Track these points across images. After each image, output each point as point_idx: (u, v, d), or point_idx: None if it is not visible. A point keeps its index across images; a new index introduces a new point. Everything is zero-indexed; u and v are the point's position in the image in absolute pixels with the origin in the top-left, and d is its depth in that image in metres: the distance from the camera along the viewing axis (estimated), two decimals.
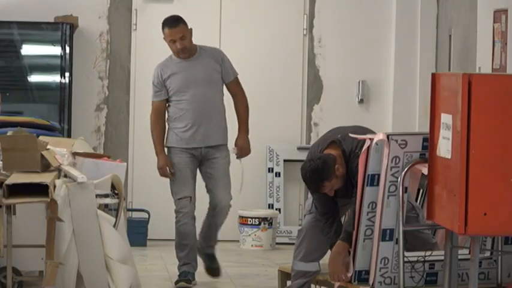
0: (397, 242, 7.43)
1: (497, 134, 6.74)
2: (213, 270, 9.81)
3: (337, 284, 7.72)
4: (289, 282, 8.20)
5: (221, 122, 9.96)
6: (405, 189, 7.38)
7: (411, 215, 7.70)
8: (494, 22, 9.64)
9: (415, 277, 7.46)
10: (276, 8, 12.23)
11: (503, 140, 6.72)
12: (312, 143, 11.33)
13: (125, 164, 9.02)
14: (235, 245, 11.64)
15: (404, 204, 7.40)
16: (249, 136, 11.38)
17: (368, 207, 7.50)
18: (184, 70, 9.87)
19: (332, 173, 7.60)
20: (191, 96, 9.81)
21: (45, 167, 7.62)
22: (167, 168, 9.75)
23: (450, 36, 11.28)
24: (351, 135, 7.85)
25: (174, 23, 9.83)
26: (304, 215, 8.27)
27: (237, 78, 9.83)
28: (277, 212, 11.84)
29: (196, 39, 11.07)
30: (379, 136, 7.55)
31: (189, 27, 9.79)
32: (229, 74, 9.77)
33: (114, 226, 7.63)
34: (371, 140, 7.61)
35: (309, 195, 8.13)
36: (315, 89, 12.17)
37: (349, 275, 7.67)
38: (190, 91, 9.86)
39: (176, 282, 9.51)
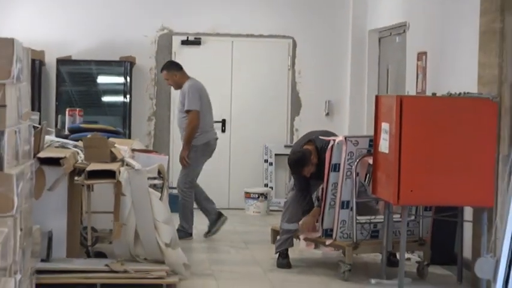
0: (351, 209, 7.44)
1: (419, 136, 6.84)
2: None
3: (303, 235, 7.82)
4: (278, 238, 8.11)
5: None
6: (357, 174, 7.51)
7: (361, 190, 7.71)
8: (417, 60, 9.45)
9: (364, 233, 7.51)
10: (270, 51, 11.98)
11: (423, 140, 6.84)
12: (293, 142, 11.38)
13: (167, 157, 9.17)
14: (242, 211, 11.39)
15: (356, 183, 7.46)
16: (251, 137, 11.97)
17: (332, 186, 7.54)
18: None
19: (308, 162, 7.67)
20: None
21: (113, 158, 7.40)
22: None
23: (387, 69, 11.14)
24: (320, 137, 7.89)
25: (161, 70, 9.84)
26: (288, 192, 8.29)
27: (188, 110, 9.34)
28: (270, 189, 11.75)
29: (214, 72, 11.69)
30: (339, 138, 7.74)
31: (173, 71, 9.52)
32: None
33: (160, 199, 7.40)
34: (334, 140, 7.68)
35: (291, 178, 8.25)
36: (296, 106, 12.00)
37: (318, 234, 7.66)
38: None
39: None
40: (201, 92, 9.59)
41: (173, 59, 11.63)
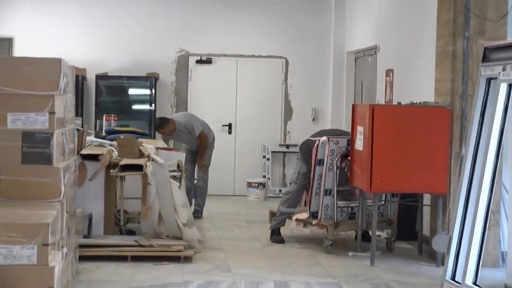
0: (333, 196, 7.38)
1: (388, 137, 6.82)
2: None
3: (295, 217, 7.76)
4: (274, 218, 8.04)
5: None
6: (338, 167, 7.41)
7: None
8: (386, 76, 9.42)
9: (343, 215, 7.48)
10: (268, 69, 11.82)
11: (391, 140, 6.83)
12: (287, 143, 11.99)
13: (184, 153, 8.91)
14: (244, 198, 11.27)
15: (337, 175, 7.38)
16: (252, 138, 11.79)
17: (317, 177, 7.50)
18: None
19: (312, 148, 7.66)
20: None
21: (141, 155, 7.40)
22: None
23: (362, 83, 11.09)
24: (310, 138, 7.84)
25: (157, 129, 9.54)
26: (290, 183, 8.15)
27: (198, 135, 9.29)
28: (268, 179, 11.64)
29: (222, 85, 11.81)
30: (323, 138, 7.62)
31: (166, 125, 9.18)
32: None
33: (178, 187, 7.45)
34: (319, 140, 7.61)
35: (294, 171, 8.10)
36: (288, 113, 11.89)
37: (306, 216, 7.60)
38: None
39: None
40: (191, 116, 9.61)
41: (189, 75, 11.75)
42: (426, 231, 7.32)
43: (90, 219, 6.93)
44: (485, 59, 5.82)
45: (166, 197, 7.08)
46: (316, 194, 7.43)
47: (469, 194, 5.70)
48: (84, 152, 6.91)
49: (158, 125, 9.27)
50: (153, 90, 11.46)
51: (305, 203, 7.89)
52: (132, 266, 6.45)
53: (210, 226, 8.75)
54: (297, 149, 11.18)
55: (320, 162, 7.43)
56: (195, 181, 9.47)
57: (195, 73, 11.74)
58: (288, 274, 6.36)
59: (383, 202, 7.54)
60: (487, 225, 5.61)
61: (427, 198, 7.35)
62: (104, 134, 9.50)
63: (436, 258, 6.77)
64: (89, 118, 11.21)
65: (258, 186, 11.34)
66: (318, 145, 7.51)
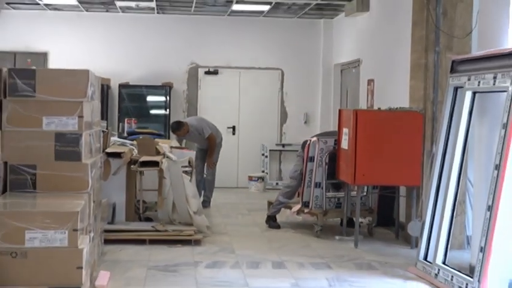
0: (322, 188, 7.36)
1: (369, 137, 6.77)
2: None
3: (292, 210, 7.71)
4: (272, 206, 8.03)
5: None
6: (326, 164, 7.36)
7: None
8: (367, 85, 9.36)
9: (331, 204, 7.45)
10: (266, 79, 11.74)
11: (372, 140, 6.78)
12: (282, 143, 11.90)
13: (194, 152, 8.95)
14: (246, 189, 11.22)
15: (325, 171, 7.35)
16: (253, 138, 11.73)
17: (309, 172, 7.45)
18: None
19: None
20: None
21: (157, 153, 7.46)
22: None
23: (347, 91, 11.01)
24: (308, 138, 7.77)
25: (174, 132, 9.34)
26: (290, 177, 7.95)
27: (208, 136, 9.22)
28: (266, 174, 11.58)
29: (227, 93, 11.88)
30: (314, 139, 7.61)
31: (182, 128, 9.07)
32: None
33: (190, 181, 7.47)
34: (310, 140, 7.58)
35: (293, 167, 8.00)
36: (283, 116, 11.83)
37: (299, 205, 7.57)
38: None
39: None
40: (202, 120, 9.50)
41: (199, 84, 11.74)
42: (402, 218, 7.29)
43: (114, 208, 6.95)
44: (452, 70, 5.87)
45: (179, 189, 7.06)
46: (308, 186, 7.41)
47: (439, 186, 5.77)
48: (108, 150, 6.91)
49: (175, 128, 9.18)
50: (168, 97, 11.46)
51: (298, 194, 7.85)
52: (149, 248, 6.45)
53: (216, 214, 8.74)
54: (291, 148, 11.50)
55: (311, 159, 7.41)
56: (205, 175, 9.42)
57: (204, 83, 11.74)
58: (283, 255, 6.35)
59: (365, 193, 7.51)
60: (455, 213, 5.68)
61: (402, 190, 7.32)
62: (125, 134, 9.56)
63: (411, 242, 6.74)
64: (113, 121, 11.21)
65: (258, 179, 11.29)
66: (309, 144, 7.48)
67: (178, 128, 9.12)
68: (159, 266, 5.78)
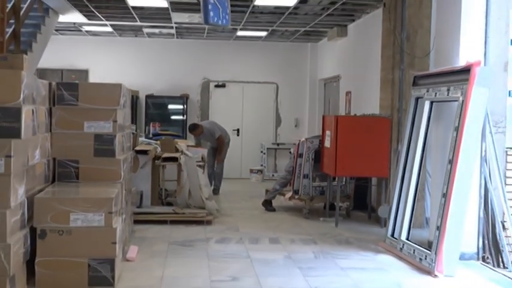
0: (309, 178, 7.35)
1: (347, 138, 6.75)
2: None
3: (286, 196, 7.65)
4: (269, 192, 7.99)
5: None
6: (312, 159, 7.35)
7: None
8: (346, 96, 9.37)
9: (316, 192, 7.41)
10: (264, 91, 11.64)
11: (349, 140, 6.75)
12: (277, 142, 11.80)
13: (206, 149, 8.77)
14: (248, 180, 11.10)
15: (311, 165, 7.34)
16: (253, 139, 11.68)
17: (298, 166, 7.41)
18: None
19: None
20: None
21: (176, 150, 7.44)
22: None
23: (329, 101, 10.96)
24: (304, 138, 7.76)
25: (191, 132, 9.15)
26: (285, 170, 7.87)
27: (217, 137, 9.09)
28: (264, 167, 11.44)
29: (233, 103, 11.71)
30: (302, 139, 7.61)
31: (197, 129, 8.94)
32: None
33: (202, 173, 7.41)
34: (300, 140, 7.62)
35: (288, 163, 7.93)
36: (278, 121, 11.77)
37: (291, 193, 7.55)
38: None
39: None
40: (214, 124, 9.40)
41: (210, 95, 11.66)
42: (373, 203, 7.29)
43: (141, 195, 6.92)
44: (414, 84, 5.88)
45: (194, 179, 7.05)
46: (298, 177, 7.38)
47: (403, 177, 5.75)
48: (137, 148, 6.93)
49: (191, 129, 9.07)
50: (185, 106, 11.46)
51: (290, 183, 7.83)
52: (170, 228, 6.43)
53: (224, 199, 8.67)
54: (284, 146, 11.54)
55: (301, 155, 7.40)
56: (215, 169, 9.32)
57: (214, 94, 11.71)
58: (278, 232, 6.34)
59: (344, 183, 7.49)
60: (416, 198, 5.68)
61: (374, 180, 7.30)
62: (151, 136, 9.51)
63: (381, 222, 6.74)
64: (141, 125, 11.17)
65: (257, 172, 11.21)
66: (299, 144, 7.46)
67: (194, 129, 9.03)
68: (178, 242, 5.77)
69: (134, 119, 10.69)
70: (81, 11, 8.60)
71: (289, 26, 9.66)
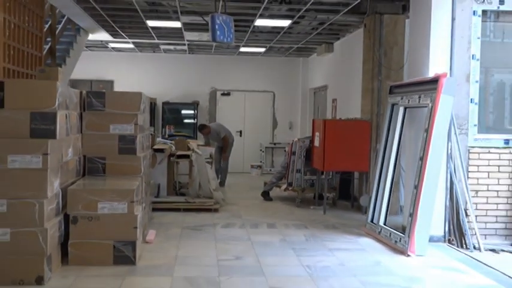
0: (301, 173, 7.31)
1: (333, 138, 6.70)
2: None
3: (283, 187, 7.68)
4: (266, 184, 7.96)
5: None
6: (304, 156, 7.28)
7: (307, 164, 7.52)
8: (332, 103, 9.27)
9: (307, 184, 7.33)
10: (263, 99, 11.58)
11: (335, 140, 6.71)
12: (274, 142, 11.73)
13: (214, 148, 8.80)
14: (249, 174, 11.07)
15: (303, 161, 7.28)
16: (253, 139, 11.40)
17: (292, 162, 7.37)
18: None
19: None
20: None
21: (188, 149, 7.42)
22: None
23: (318, 107, 10.86)
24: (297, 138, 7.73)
25: (200, 131, 9.02)
26: (281, 166, 7.78)
27: (223, 136, 8.92)
28: (262, 163, 11.38)
29: (236, 109, 11.55)
30: (295, 139, 7.57)
31: (206, 129, 8.81)
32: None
33: (210, 168, 7.39)
34: (293, 140, 7.58)
35: (284, 159, 7.81)
36: (274, 124, 11.71)
37: (285, 185, 7.54)
38: None
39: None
40: (220, 125, 9.29)
41: (217, 102, 11.58)
42: (356, 193, 7.23)
43: (159, 187, 6.89)
44: (390, 92, 5.86)
45: (203, 173, 7.04)
46: (291, 172, 7.36)
47: (381, 172, 5.74)
48: (155, 147, 6.89)
49: (200, 128, 8.98)
50: (195, 111, 11.41)
51: (284, 177, 7.81)
52: (183, 215, 6.40)
53: (229, 190, 8.63)
54: (280, 146, 11.45)
55: (294, 153, 7.38)
56: (221, 164, 9.28)
57: (220, 101, 11.65)
58: (275, 219, 6.31)
59: (330, 176, 7.45)
60: (392, 189, 5.67)
61: (356, 174, 7.24)
62: (166, 136, 9.51)
63: (362, 210, 6.69)
64: (158, 127, 11.08)
65: (257, 167, 11.17)
66: (292, 143, 7.45)
67: (203, 128, 8.94)
68: (189, 226, 5.75)
69: (152, 122, 10.62)
70: (107, 31, 8.66)
71: (284, 43, 9.65)
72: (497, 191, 5.24)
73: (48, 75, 4.09)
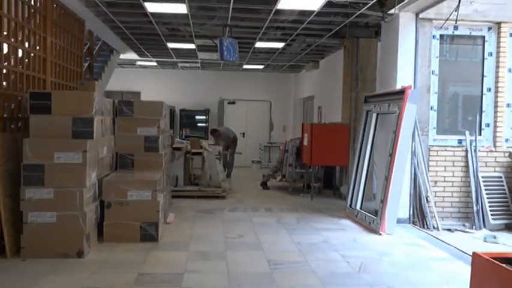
0: (293, 167, 7.28)
1: (319, 139, 6.67)
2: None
3: (278, 178, 7.70)
4: (265, 176, 7.88)
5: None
6: (296, 153, 7.27)
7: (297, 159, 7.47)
8: (318, 110, 9.21)
9: (297, 176, 7.30)
10: (261, 107, 11.50)
11: (321, 140, 6.69)
12: (271, 141, 11.70)
13: (221, 147, 8.48)
14: (250, 168, 10.83)
15: (294, 157, 7.25)
16: (254, 139, 11.26)
17: (285, 158, 7.39)
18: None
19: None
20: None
21: (201, 147, 7.20)
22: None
23: (306, 113, 10.53)
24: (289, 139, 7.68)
25: (211, 134, 8.81)
26: (276, 161, 7.75)
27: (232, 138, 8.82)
28: (261, 159, 11.17)
29: (239, 115, 11.37)
30: (288, 139, 7.52)
31: (217, 133, 8.53)
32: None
33: (219, 163, 7.31)
34: (286, 140, 7.50)
35: (278, 156, 7.81)
36: (271, 127, 11.64)
37: (280, 176, 7.51)
38: None
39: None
40: (228, 129, 9.18)
41: (224, 110, 11.42)
42: (337, 183, 7.20)
43: (177, 178, 6.85)
44: (365, 101, 5.84)
45: (213, 167, 6.99)
46: (285, 166, 7.34)
47: (358, 166, 5.72)
48: (174, 146, 6.84)
49: (212, 132, 8.87)
50: (207, 117, 11.37)
51: (279, 170, 7.78)
52: (196, 201, 6.37)
53: (234, 181, 8.53)
54: (276, 145, 11.29)
55: (287, 151, 7.35)
56: (228, 160, 8.99)
57: (227, 108, 11.54)
58: (271, 204, 6.26)
59: (316, 170, 7.37)
60: (367, 180, 5.66)
61: (338, 168, 7.20)
62: (183, 137, 9.49)
63: (342, 197, 6.68)
64: (176, 130, 11.06)
65: (257, 162, 11.04)
66: (285, 143, 7.45)
67: (214, 132, 8.87)
68: (202, 210, 5.72)
69: (172, 126, 10.45)
70: (135, 51, 8.69)
71: (279, 61, 9.63)
72: (452, 181, 5.29)
73: (87, 87, 4.10)
